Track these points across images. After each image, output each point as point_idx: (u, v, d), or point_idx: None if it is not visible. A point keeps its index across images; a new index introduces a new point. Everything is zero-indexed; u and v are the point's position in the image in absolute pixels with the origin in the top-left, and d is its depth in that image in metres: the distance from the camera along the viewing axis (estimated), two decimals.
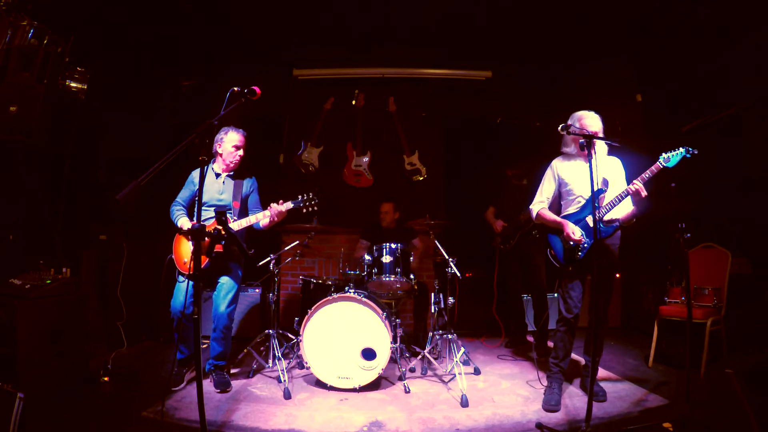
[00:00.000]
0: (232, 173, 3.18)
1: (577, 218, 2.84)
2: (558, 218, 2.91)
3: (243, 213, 3.18)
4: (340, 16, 4.27)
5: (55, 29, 3.13)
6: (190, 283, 3.07)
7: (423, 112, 5.15)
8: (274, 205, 3.04)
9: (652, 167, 2.63)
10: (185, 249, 3.11)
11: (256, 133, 4.99)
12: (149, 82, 4.51)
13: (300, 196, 3.08)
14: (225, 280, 3.12)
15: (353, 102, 5.12)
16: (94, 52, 3.69)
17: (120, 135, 4.37)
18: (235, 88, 1.99)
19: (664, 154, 2.62)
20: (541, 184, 3.06)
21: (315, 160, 5.06)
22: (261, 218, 3.05)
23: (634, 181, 2.62)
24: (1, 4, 2.85)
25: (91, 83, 3.52)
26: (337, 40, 4.78)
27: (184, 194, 3.22)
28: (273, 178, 5.02)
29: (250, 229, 3.19)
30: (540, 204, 3.01)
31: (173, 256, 3.17)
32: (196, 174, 3.16)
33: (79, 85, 3.46)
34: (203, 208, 3.13)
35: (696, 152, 2.55)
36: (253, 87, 2.00)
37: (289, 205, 3.05)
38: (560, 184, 2.97)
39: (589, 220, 2.77)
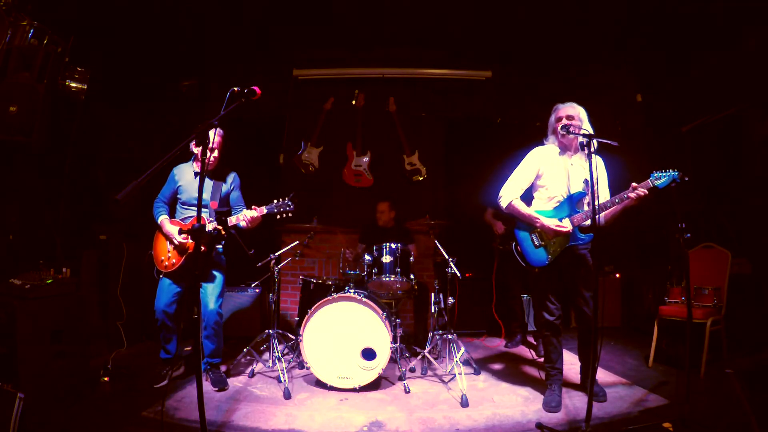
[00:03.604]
0: (211, 173, 3.16)
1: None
2: (533, 213, 2.75)
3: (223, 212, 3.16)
4: (341, 16, 4.27)
5: (55, 29, 3.13)
6: (168, 281, 3.10)
7: (423, 112, 5.14)
8: (246, 211, 2.97)
9: (642, 184, 2.52)
10: (162, 247, 3.11)
11: (256, 133, 5.05)
12: (149, 82, 4.51)
13: (275, 201, 2.94)
14: (212, 276, 3.10)
15: (353, 102, 5.12)
16: (94, 52, 3.69)
17: (120, 135, 4.37)
18: (235, 88, 1.98)
19: (655, 173, 2.51)
20: (516, 171, 2.84)
21: (315, 160, 5.06)
22: (239, 220, 2.98)
23: (634, 191, 2.52)
24: (1, 4, 2.85)
25: (91, 83, 3.52)
26: (337, 40, 4.78)
27: (165, 192, 3.20)
28: (273, 178, 5.03)
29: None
30: (513, 193, 2.79)
31: (152, 252, 3.16)
32: (177, 171, 3.16)
33: (79, 85, 3.46)
34: (185, 207, 3.15)
35: (687, 179, 2.45)
36: (253, 87, 1.99)
37: (263, 210, 2.95)
38: (537, 176, 2.81)
39: (566, 222, 2.70)
